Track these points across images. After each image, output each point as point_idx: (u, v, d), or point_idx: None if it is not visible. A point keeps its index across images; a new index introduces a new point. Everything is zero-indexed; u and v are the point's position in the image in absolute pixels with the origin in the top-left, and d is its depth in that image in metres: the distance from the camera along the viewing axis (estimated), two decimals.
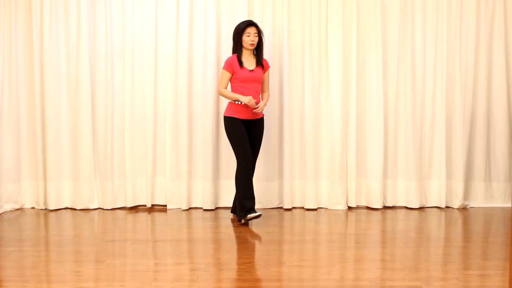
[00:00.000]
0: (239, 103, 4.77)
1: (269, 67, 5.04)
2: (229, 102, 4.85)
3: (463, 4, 5.46)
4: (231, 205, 5.33)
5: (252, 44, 4.80)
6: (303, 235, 4.37)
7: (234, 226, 4.74)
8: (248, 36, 4.80)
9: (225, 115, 4.85)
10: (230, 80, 4.86)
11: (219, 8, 5.41)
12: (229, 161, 5.46)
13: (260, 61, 4.88)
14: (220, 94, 4.89)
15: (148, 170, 5.44)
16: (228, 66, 4.83)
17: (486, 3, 5.49)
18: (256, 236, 4.35)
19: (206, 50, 5.40)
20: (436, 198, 5.55)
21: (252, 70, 4.83)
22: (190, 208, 5.47)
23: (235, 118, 4.79)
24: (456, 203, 5.51)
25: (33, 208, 5.46)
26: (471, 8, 5.46)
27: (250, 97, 4.72)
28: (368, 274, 3.36)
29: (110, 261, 3.64)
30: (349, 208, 5.49)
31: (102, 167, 5.43)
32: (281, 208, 5.49)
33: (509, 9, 5.50)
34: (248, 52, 4.87)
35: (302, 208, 5.50)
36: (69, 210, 5.40)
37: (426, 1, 5.47)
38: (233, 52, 4.91)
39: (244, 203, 4.72)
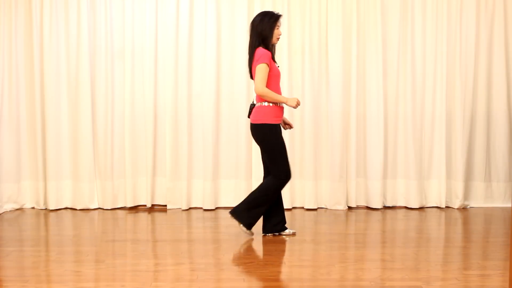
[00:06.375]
0: (278, 105, 4.18)
1: None
2: (267, 106, 4.13)
3: (463, 4, 5.46)
4: (231, 205, 5.31)
5: (278, 39, 4.22)
6: (303, 235, 4.37)
7: (234, 226, 4.73)
8: (277, 29, 4.17)
9: (268, 122, 4.11)
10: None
11: (219, 8, 5.41)
12: (229, 161, 5.46)
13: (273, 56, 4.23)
14: (263, 94, 4.06)
15: (148, 170, 5.44)
16: (268, 59, 4.07)
17: (486, 3, 5.49)
18: (255, 236, 4.34)
19: (206, 50, 5.40)
20: (436, 198, 5.55)
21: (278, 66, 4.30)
22: (190, 208, 5.47)
23: (278, 124, 4.19)
24: (456, 203, 5.51)
25: (33, 208, 5.46)
26: (471, 8, 5.46)
27: (297, 98, 4.20)
28: (368, 274, 3.36)
29: (110, 261, 3.64)
30: (349, 208, 5.50)
31: (102, 167, 5.43)
32: None
33: (509, 9, 5.50)
34: None
35: (302, 208, 5.50)
36: (69, 210, 5.40)
37: (426, 1, 5.47)
38: (256, 45, 4.13)
39: (259, 213, 4.21)
